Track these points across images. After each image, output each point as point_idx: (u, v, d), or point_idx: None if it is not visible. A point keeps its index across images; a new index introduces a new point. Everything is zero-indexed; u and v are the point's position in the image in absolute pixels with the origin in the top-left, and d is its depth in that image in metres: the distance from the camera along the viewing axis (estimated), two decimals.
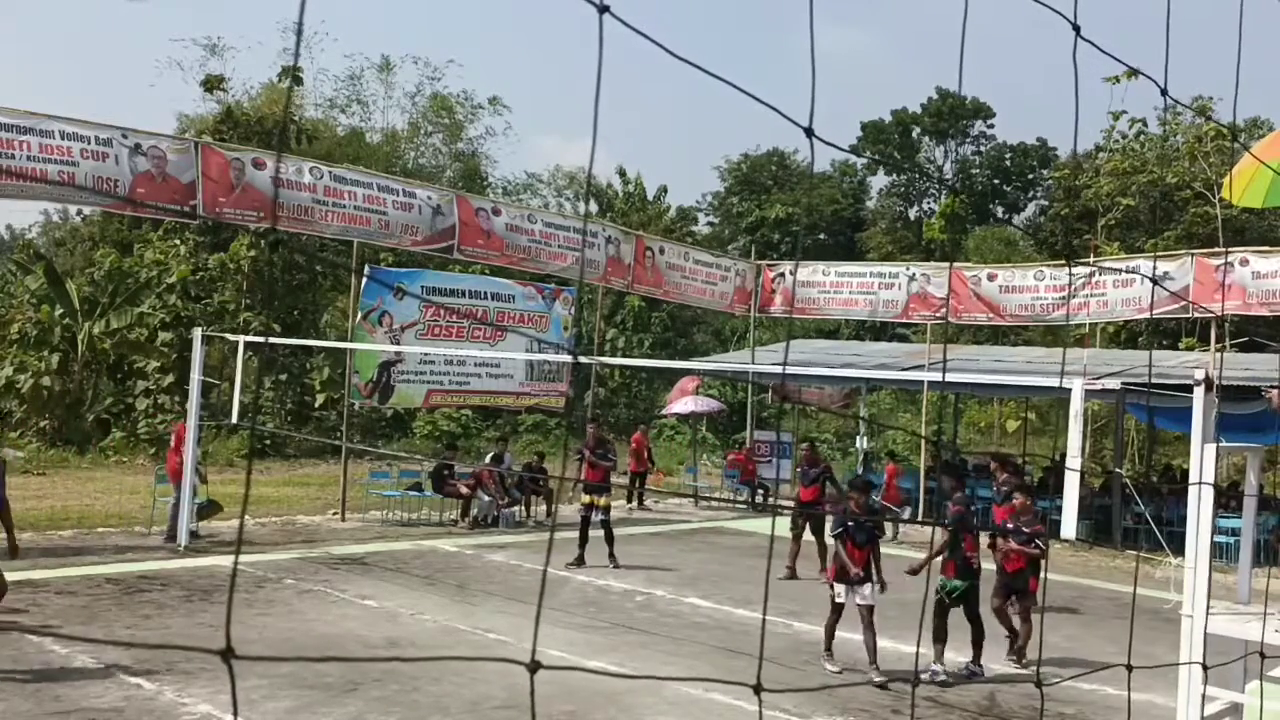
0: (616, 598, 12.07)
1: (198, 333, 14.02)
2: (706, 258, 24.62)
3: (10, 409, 24.37)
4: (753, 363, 24.01)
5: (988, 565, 9.84)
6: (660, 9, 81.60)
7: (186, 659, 8.10)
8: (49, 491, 17.86)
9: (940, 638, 9.19)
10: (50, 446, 23.12)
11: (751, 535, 18.11)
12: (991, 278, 22.25)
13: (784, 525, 14.82)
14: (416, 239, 17.81)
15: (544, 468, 19.01)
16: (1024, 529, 9.72)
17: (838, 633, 9.32)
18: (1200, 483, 5.28)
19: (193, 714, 7.13)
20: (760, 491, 21.91)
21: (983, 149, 56.47)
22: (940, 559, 9.52)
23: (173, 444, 14.29)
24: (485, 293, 19.46)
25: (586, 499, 14.21)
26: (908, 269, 23.88)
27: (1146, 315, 20.60)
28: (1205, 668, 3.90)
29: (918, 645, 3.51)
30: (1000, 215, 54.91)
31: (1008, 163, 55.71)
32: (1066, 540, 9.29)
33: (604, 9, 1.60)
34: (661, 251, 22.56)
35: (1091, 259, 25.97)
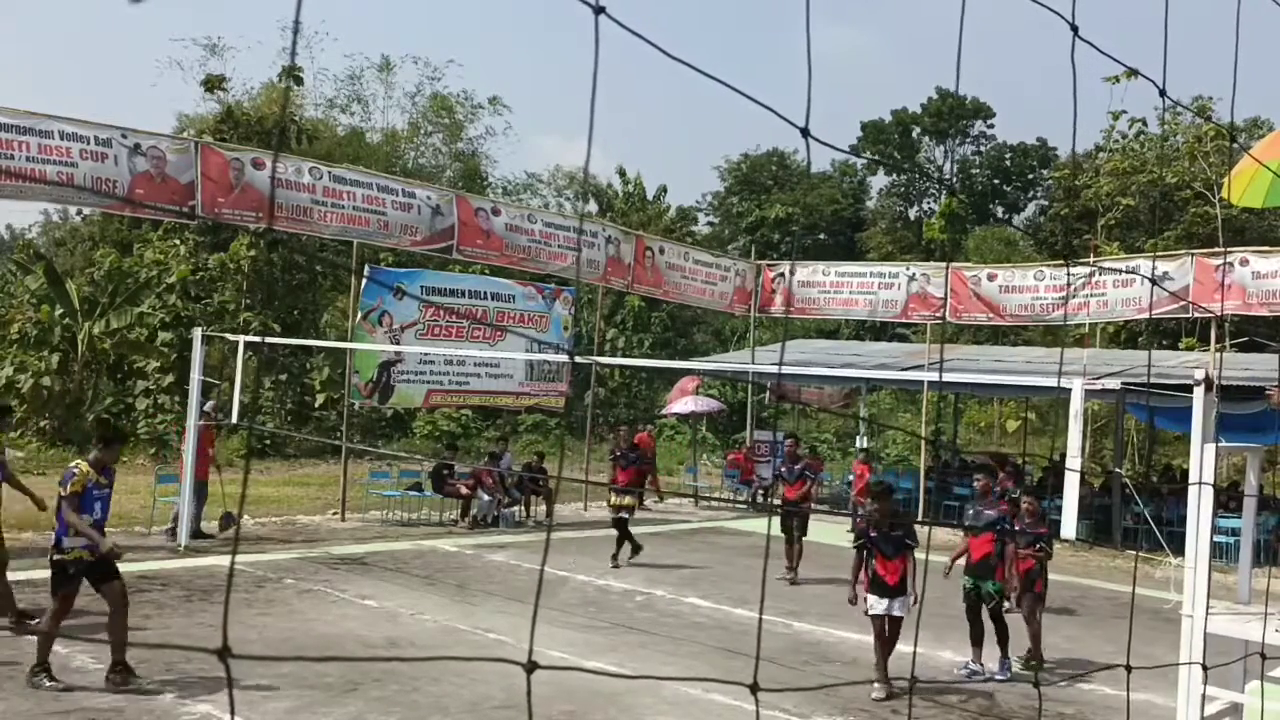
0: (616, 598, 12.08)
1: (198, 333, 14.01)
2: (706, 258, 24.60)
3: (10, 408, 24.31)
4: (752, 363, 24.02)
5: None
6: (658, 9, 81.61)
7: (187, 659, 8.10)
8: (49, 491, 17.79)
9: (978, 639, 9.22)
10: (50, 446, 23.10)
11: (751, 535, 18.12)
12: (991, 278, 22.25)
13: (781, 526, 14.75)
14: (416, 239, 17.80)
15: (544, 468, 19.01)
16: (1030, 531, 9.73)
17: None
18: (1200, 483, 5.28)
19: (192, 714, 7.13)
20: (760, 491, 21.94)
21: (983, 149, 56.50)
22: (976, 558, 9.38)
23: (200, 446, 13.75)
24: (485, 293, 19.46)
25: (616, 500, 14.23)
26: (907, 269, 23.88)
27: (1146, 315, 20.60)
28: (1205, 668, 3.90)
29: (915, 645, 3.50)
30: (1000, 215, 54.91)
31: (1008, 163, 55.72)
32: (1066, 540, 9.27)
33: (600, 10, 1.59)
34: (661, 251, 22.55)
35: (1091, 259, 25.97)
